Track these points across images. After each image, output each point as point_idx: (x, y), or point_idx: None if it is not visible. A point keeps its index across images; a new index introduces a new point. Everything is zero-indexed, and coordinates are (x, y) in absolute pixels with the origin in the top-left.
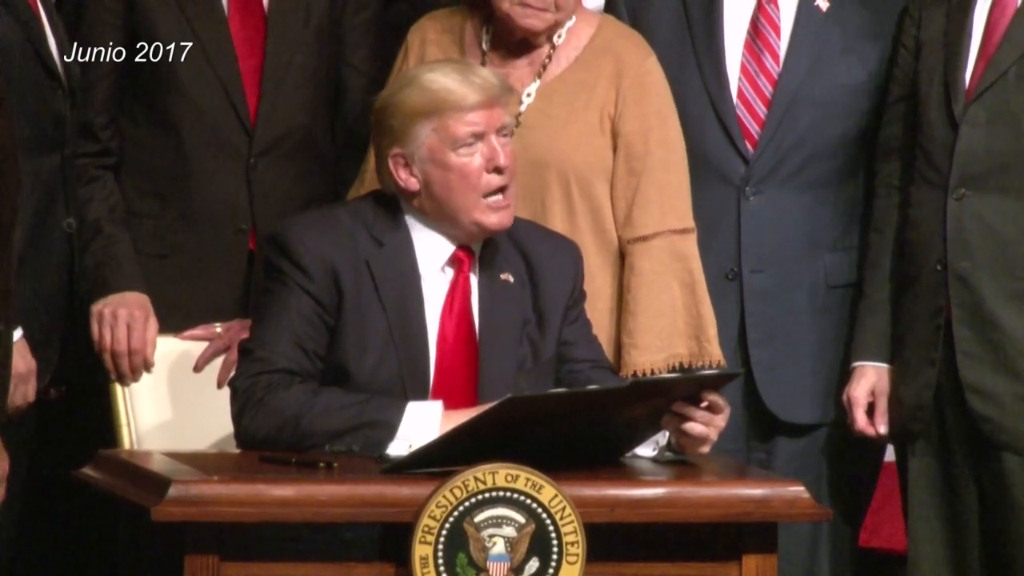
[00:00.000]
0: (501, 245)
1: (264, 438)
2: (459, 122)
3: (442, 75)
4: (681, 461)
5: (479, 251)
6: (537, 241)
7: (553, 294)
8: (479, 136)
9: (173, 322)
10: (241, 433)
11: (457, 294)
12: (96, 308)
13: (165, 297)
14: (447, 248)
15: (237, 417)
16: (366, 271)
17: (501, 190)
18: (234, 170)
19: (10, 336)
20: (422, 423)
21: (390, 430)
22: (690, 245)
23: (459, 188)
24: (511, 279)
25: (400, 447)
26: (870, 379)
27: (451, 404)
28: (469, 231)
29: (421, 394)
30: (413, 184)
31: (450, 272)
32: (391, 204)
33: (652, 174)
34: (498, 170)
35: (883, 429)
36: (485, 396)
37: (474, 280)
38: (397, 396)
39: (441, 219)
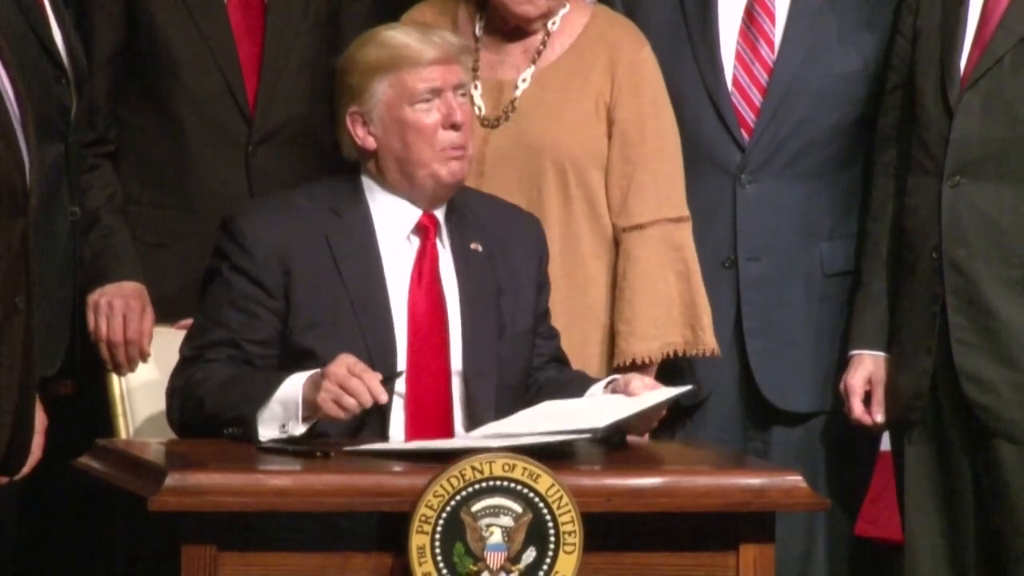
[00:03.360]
0: (466, 214)
1: (180, 425)
2: (416, 77)
3: (401, 33)
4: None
5: (443, 219)
6: (495, 212)
7: (519, 265)
8: (436, 92)
9: (172, 310)
10: (170, 423)
11: (425, 263)
12: (92, 298)
13: (164, 285)
14: (410, 214)
15: (167, 408)
16: (325, 247)
17: (457, 148)
18: (233, 158)
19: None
20: (289, 389)
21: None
22: (685, 234)
23: (415, 144)
24: (479, 248)
25: (272, 429)
26: (867, 367)
27: (427, 374)
28: (425, 187)
29: (388, 367)
30: (370, 143)
31: (416, 241)
32: (349, 177)
33: (647, 163)
34: (455, 126)
35: (880, 418)
36: (467, 366)
37: (443, 249)
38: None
39: (399, 181)
